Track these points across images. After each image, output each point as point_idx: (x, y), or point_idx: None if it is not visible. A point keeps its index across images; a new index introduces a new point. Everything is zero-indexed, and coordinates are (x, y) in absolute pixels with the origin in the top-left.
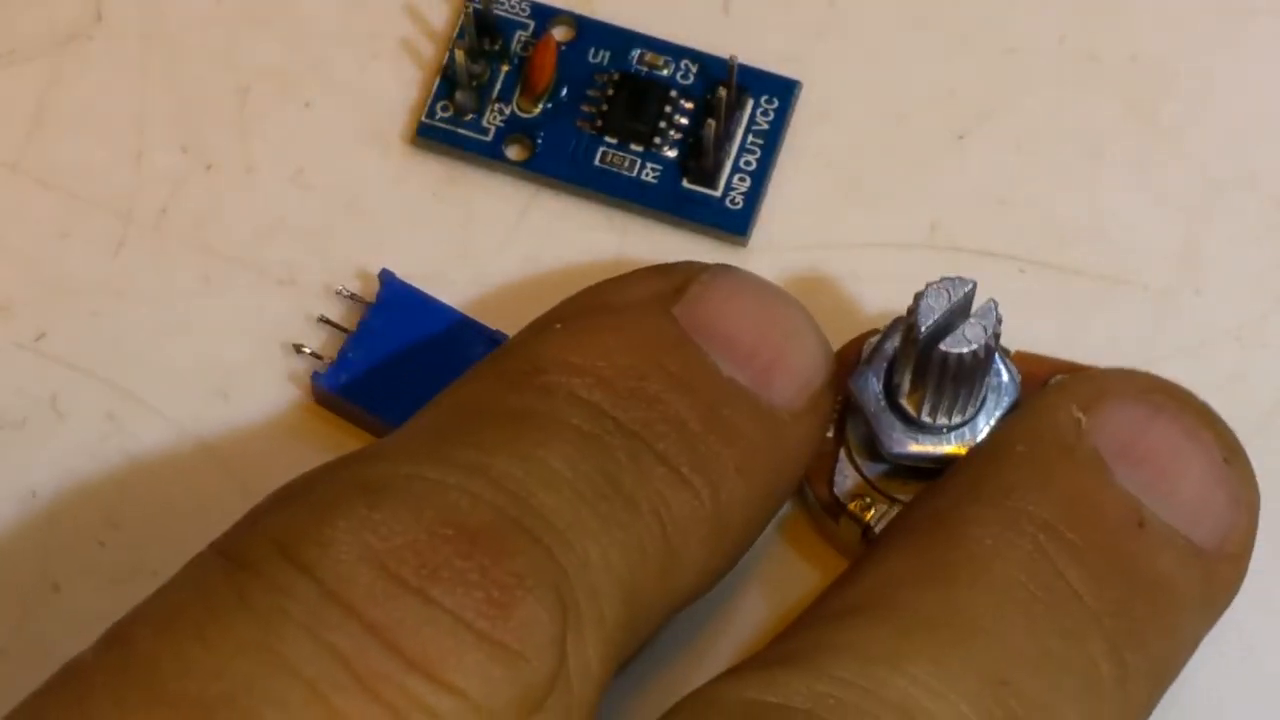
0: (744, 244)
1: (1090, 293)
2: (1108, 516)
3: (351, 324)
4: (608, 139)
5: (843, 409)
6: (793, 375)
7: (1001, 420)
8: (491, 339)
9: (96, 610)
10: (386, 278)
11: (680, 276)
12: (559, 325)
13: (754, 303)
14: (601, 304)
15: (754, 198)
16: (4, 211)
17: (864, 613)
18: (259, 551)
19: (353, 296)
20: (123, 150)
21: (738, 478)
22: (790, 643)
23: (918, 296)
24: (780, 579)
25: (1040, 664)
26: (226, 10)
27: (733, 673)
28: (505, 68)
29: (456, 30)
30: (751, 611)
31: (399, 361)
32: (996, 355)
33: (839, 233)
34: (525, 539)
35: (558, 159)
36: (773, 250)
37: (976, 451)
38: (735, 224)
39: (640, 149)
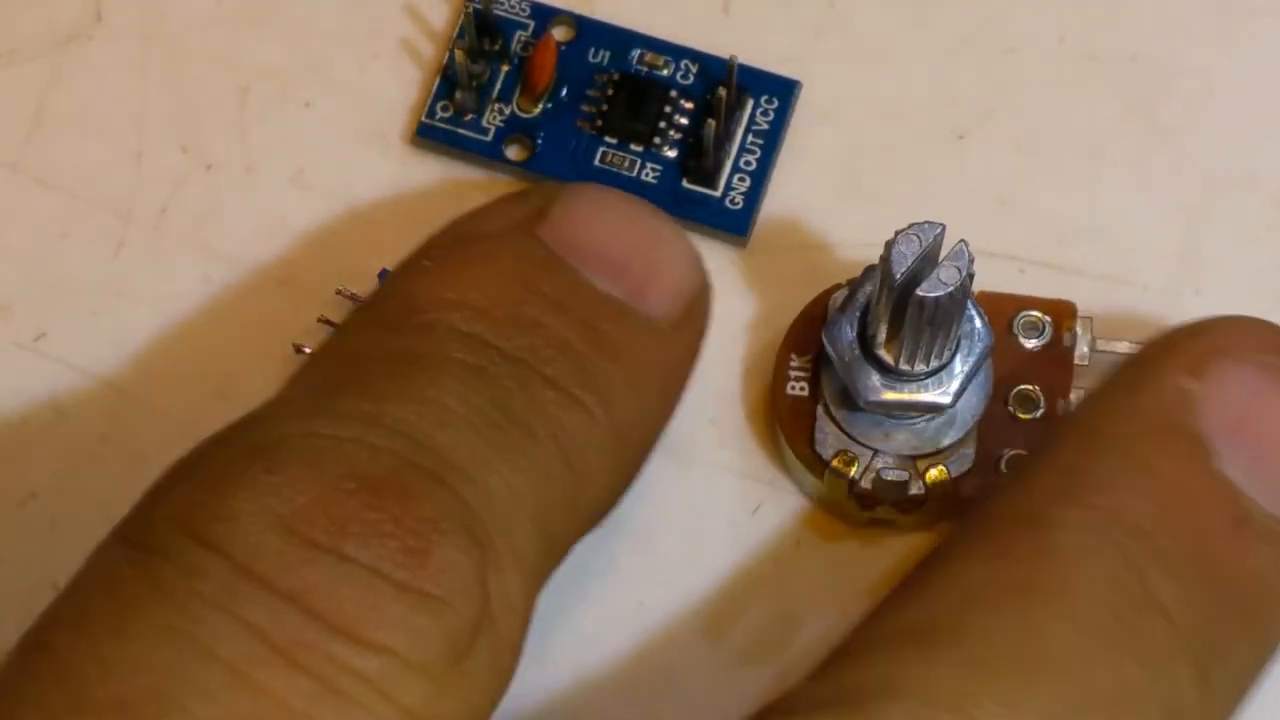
0: (744, 244)
1: (1090, 293)
2: (1206, 515)
3: None
4: (608, 139)
5: (815, 363)
6: (668, 285)
7: (977, 364)
8: None
9: None
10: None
11: (540, 198)
12: (428, 262)
13: (619, 216)
14: (467, 235)
15: (754, 198)
16: (4, 211)
17: (929, 637)
18: (165, 534)
19: (353, 296)
20: (123, 150)
21: (629, 392)
22: (847, 672)
23: (889, 244)
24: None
25: (1120, 699)
26: (226, 10)
27: (782, 714)
28: (505, 68)
29: (456, 30)
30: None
31: None
32: (970, 300)
33: (839, 233)
34: (430, 482)
35: (558, 159)
36: (773, 250)
37: (1071, 429)
38: (735, 224)
39: (640, 149)
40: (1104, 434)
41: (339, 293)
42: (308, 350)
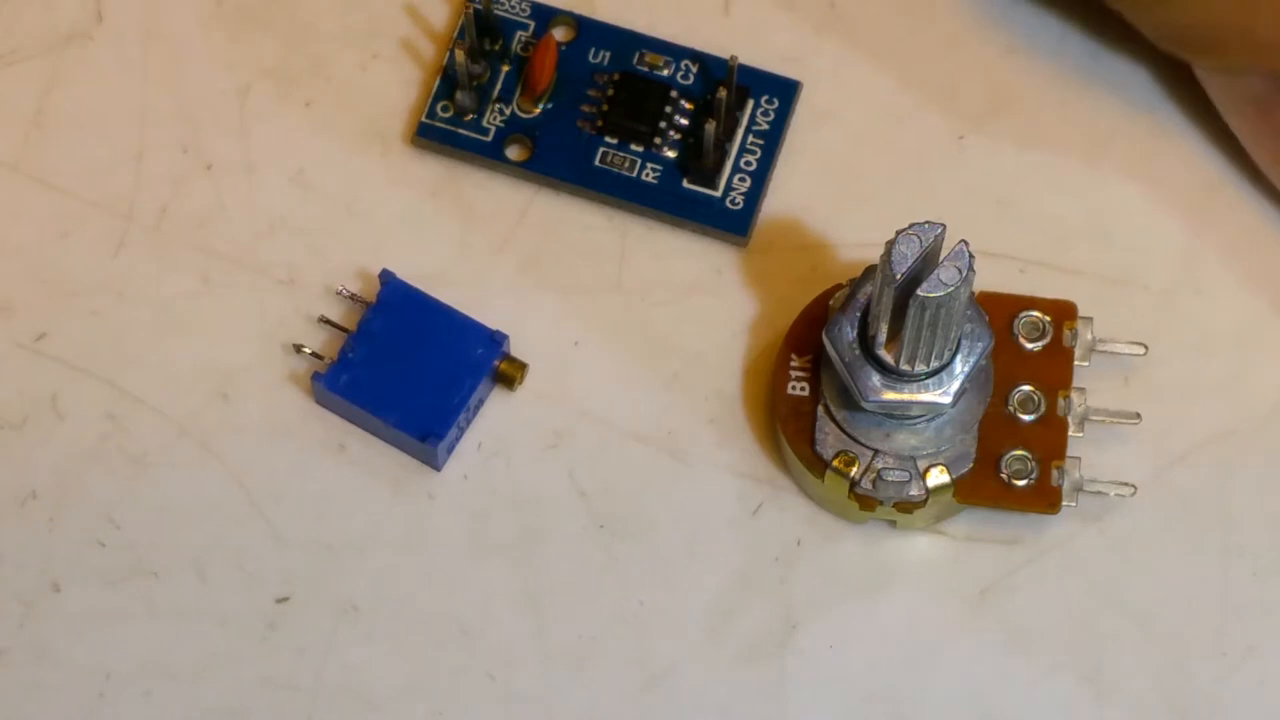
0: (744, 244)
1: (1090, 293)
2: None
3: (351, 324)
4: (608, 139)
5: (815, 363)
6: None
7: (977, 364)
8: (491, 339)
9: (96, 610)
10: (386, 278)
11: None
12: None
13: None
14: None
15: (754, 198)
16: (4, 211)
17: None
18: None
19: (353, 296)
20: (123, 150)
21: None
22: None
23: (889, 244)
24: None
25: None
26: (226, 10)
27: None
28: (505, 68)
29: (456, 30)
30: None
31: (399, 361)
32: (970, 300)
33: (839, 233)
34: None
35: (558, 159)
36: (773, 250)
37: None
38: (735, 224)
39: (640, 149)
40: None
41: (339, 293)
42: (308, 350)
